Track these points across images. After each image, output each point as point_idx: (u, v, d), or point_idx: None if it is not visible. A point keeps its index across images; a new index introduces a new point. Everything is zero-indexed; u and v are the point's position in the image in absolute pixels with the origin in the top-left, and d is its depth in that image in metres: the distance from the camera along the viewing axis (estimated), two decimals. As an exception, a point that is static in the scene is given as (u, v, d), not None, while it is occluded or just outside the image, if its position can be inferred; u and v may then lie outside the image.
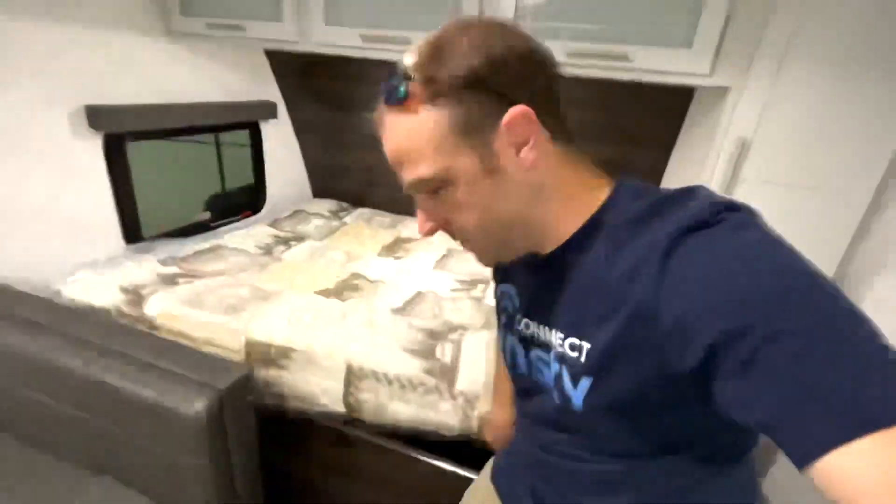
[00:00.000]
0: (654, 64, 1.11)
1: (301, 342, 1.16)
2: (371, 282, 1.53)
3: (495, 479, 0.72)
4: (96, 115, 1.35)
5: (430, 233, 0.50)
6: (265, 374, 1.16)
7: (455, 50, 0.42)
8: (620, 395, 0.44)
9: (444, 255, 1.75)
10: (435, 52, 0.43)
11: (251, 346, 1.17)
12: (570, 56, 1.14)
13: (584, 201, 0.47)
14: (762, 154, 1.08)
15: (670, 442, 0.47)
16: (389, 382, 1.10)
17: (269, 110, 2.02)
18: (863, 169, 1.03)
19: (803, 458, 0.32)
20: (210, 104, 1.75)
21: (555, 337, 0.49)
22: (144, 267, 1.43)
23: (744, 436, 0.50)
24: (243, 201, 2.12)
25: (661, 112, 1.68)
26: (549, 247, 0.49)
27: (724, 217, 0.39)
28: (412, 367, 1.10)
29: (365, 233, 2.00)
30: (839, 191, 1.06)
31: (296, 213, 2.13)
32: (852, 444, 0.30)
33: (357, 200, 2.34)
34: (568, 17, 1.14)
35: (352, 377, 1.12)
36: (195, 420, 0.86)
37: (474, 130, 0.43)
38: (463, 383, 1.07)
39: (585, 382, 0.45)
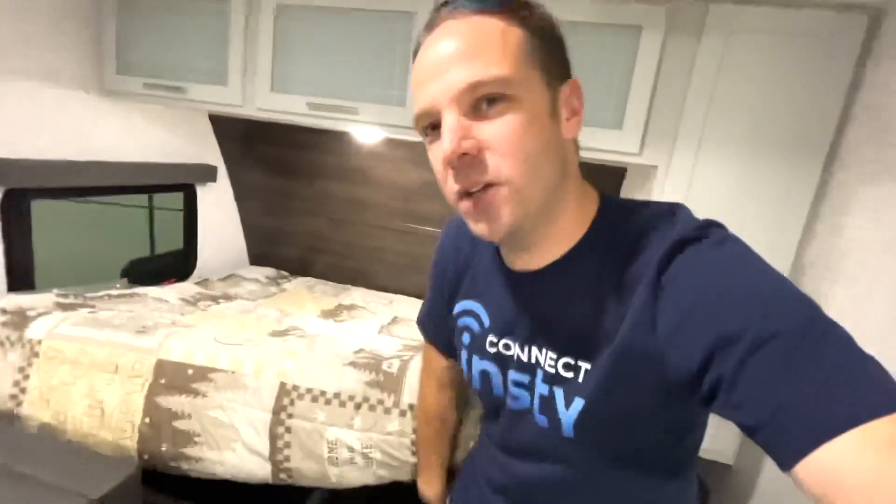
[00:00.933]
0: (589, 143, 1.18)
1: (226, 360, 1.00)
2: (310, 335, 1.39)
3: None
4: (-3, 169, 1.21)
5: (463, 154, 0.41)
6: (172, 404, 0.96)
7: (539, 7, 0.45)
8: (614, 414, 0.44)
9: (390, 321, 1.65)
10: None
11: (162, 370, 0.98)
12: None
13: (583, 213, 0.47)
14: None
15: (637, 453, 0.48)
16: (328, 402, 0.95)
17: (208, 173, 1.93)
18: (781, 236, 1.11)
19: (789, 458, 0.33)
20: (139, 164, 1.64)
21: (545, 357, 0.47)
22: (37, 297, 1.20)
23: (695, 445, 0.53)
24: (169, 267, 1.94)
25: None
26: (538, 261, 0.47)
27: (707, 233, 0.42)
28: (355, 381, 0.98)
29: (305, 297, 1.86)
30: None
31: (229, 276, 1.97)
32: (835, 440, 0.31)
33: (298, 269, 2.22)
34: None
35: (283, 400, 0.95)
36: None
37: (552, 70, 0.43)
38: (411, 395, 0.95)
39: (579, 404, 0.45)
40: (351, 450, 0.94)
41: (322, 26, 1.27)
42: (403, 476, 0.94)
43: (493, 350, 0.52)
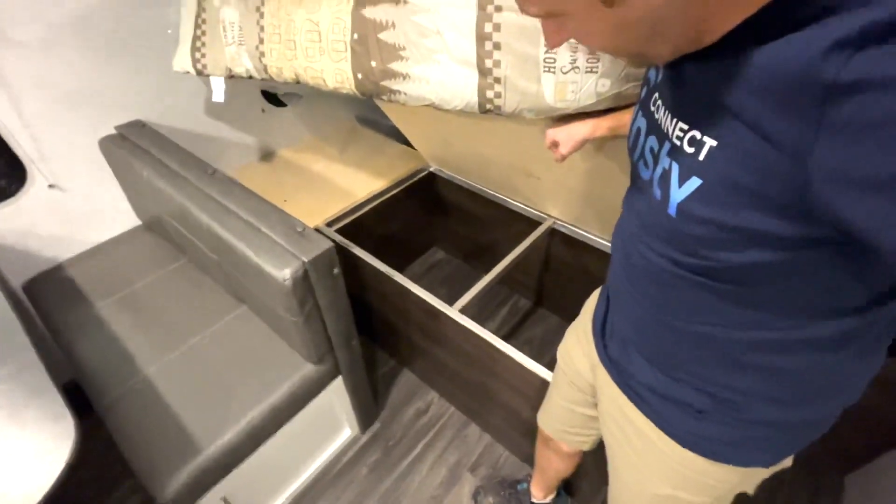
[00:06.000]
0: None
1: None
2: None
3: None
4: None
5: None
6: (376, 14, 0.92)
7: None
8: (723, 204, 0.40)
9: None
10: None
11: None
12: None
13: None
14: None
15: (737, 273, 0.44)
16: None
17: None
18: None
19: None
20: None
21: (675, 127, 0.44)
22: None
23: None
24: None
25: None
26: (707, 40, 0.40)
27: None
28: None
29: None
30: None
31: None
32: None
33: None
34: None
35: None
36: (283, 285, 0.93)
37: None
38: None
39: (693, 183, 0.41)
40: (573, 61, 0.79)
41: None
42: (625, 99, 0.80)
43: (653, 108, 0.50)
